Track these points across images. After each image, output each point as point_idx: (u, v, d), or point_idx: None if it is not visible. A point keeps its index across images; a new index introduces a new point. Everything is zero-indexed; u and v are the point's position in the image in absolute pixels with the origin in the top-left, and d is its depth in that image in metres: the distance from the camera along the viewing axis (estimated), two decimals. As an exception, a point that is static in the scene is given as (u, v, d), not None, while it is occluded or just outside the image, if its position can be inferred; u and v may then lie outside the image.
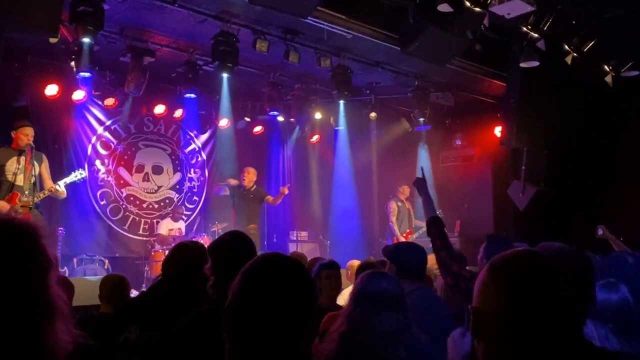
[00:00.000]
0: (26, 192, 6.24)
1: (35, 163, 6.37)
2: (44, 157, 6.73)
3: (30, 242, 1.29)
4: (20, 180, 6.32)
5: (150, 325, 2.74)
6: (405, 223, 9.67)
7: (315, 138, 10.88)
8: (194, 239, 8.88)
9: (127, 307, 3.26)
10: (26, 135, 6.39)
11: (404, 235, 9.50)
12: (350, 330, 2.26)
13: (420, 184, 3.67)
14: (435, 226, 3.28)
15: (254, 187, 8.82)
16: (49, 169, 6.75)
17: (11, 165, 6.36)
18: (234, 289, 1.53)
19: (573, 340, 1.30)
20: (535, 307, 1.23)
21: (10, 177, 6.30)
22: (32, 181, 6.20)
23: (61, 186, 6.52)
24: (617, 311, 2.33)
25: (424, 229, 9.87)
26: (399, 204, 9.69)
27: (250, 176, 8.76)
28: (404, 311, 2.34)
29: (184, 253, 3.15)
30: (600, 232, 5.24)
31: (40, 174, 6.48)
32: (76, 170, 6.98)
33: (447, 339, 2.10)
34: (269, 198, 8.82)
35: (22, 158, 6.39)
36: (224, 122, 9.66)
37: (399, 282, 2.51)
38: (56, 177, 6.98)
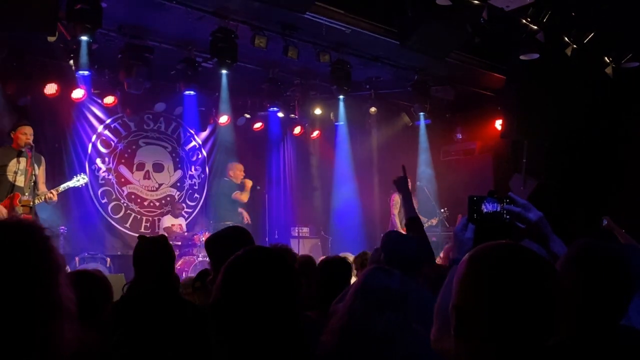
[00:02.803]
0: (26, 193, 6.22)
1: (35, 165, 6.36)
2: (43, 159, 6.72)
3: (39, 243, 1.30)
4: (20, 182, 6.30)
5: (134, 326, 2.69)
6: None
7: (315, 134, 10.87)
8: (195, 236, 8.91)
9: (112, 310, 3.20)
10: (25, 134, 6.38)
11: (404, 228, 9.50)
12: (350, 324, 2.23)
13: (399, 183, 3.57)
14: (413, 228, 3.21)
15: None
16: (45, 172, 6.73)
17: (12, 165, 6.35)
18: (217, 285, 1.50)
19: (571, 336, 1.26)
20: (520, 302, 1.19)
21: (11, 177, 6.29)
22: (33, 181, 6.19)
23: (54, 194, 6.47)
24: None
25: (427, 224, 9.91)
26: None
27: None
28: (405, 310, 2.28)
29: (146, 249, 3.08)
30: (605, 222, 5.24)
31: (37, 176, 6.47)
32: (78, 175, 6.96)
33: None
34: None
35: (23, 159, 6.37)
36: (224, 119, 9.65)
37: (403, 279, 2.45)
38: (57, 176, 6.99)
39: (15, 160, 6.36)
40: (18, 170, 6.32)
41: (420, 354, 2.20)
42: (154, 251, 3.03)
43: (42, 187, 6.57)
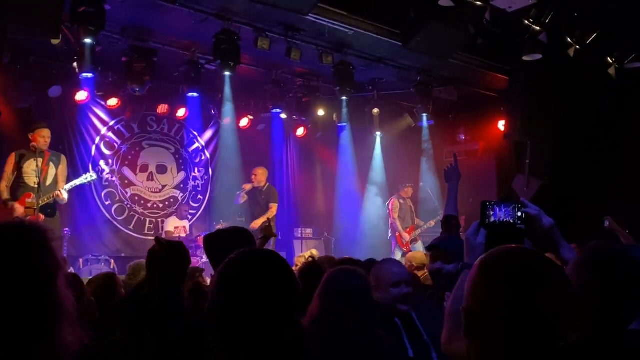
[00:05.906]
0: (40, 194, 6.24)
1: (52, 164, 6.36)
2: (63, 157, 6.70)
3: (39, 245, 1.31)
4: (35, 183, 6.32)
5: (134, 326, 2.69)
6: (408, 219, 9.72)
7: (318, 135, 10.88)
8: (198, 238, 8.92)
9: (112, 308, 3.20)
10: (43, 137, 6.39)
11: (407, 230, 9.53)
12: (318, 329, 2.20)
13: (450, 173, 3.51)
14: (450, 225, 3.18)
15: (266, 186, 8.85)
16: (66, 171, 6.73)
17: (28, 167, 6.36)
18: (212, 289, 1.47)
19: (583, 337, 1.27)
20: (529, 305, 1.21)
21: (28, 179, 6.31)
22: (47, 183, 6.21)
23: (62, 193, 6.47)
24: None
25: (425, 226, 9.86)
26: (401, 201, 9.73)
27: (258, 177, 8.78)
28: (371, 310, 2.28)
29: (164, 252, 3.08)
30: (606, 223, 5.22)
31: (56, 175, 6.47)
32: (87, 173, 6.99)
33: None
34: (272, 207, 8.71)
35: (40, 160, 6.37)
36: (227, 121, 9.67)
37: (367, 278, 2.44)
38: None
39: (32, 161, 6.35)
40: (34, 171, 6.33)
41: (385, 354, 2.19)
42: (173, 255, 3.04)
43: (62, 185, 6.58)
